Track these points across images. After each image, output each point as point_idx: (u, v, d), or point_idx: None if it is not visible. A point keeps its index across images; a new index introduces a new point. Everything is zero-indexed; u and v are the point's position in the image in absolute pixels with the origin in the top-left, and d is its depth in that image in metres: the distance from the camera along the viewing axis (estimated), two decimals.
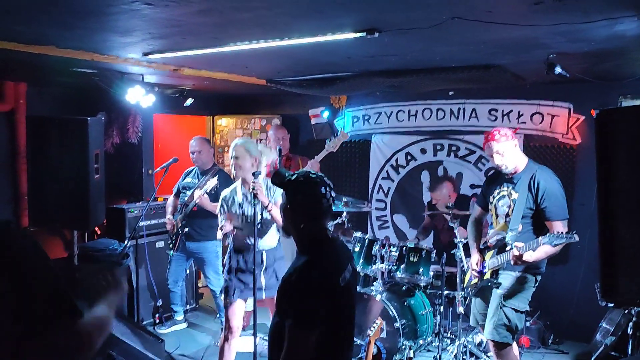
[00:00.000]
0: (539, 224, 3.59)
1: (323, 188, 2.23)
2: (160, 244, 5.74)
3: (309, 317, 2.05)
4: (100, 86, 4.84)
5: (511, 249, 3.50)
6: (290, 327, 2.05)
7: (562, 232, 3.29)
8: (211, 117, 7.44)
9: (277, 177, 2.32)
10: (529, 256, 3.38)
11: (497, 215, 3.84)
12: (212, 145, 6.30)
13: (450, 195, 5.35)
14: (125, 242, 5.18)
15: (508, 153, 3.64)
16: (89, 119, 4.45)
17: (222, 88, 6.17)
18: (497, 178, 3.90)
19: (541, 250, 3.39)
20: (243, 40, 3.41)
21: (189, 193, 5.17)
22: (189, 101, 6.29)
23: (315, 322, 2.06)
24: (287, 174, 2.30)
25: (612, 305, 4.29)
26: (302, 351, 2.04)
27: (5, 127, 5.39)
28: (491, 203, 3.88)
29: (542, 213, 3.56)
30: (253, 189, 3.62)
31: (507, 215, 3.73)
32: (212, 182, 4.73)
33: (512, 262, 3.46)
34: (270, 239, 3.99)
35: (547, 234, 3.34)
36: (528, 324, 4.94)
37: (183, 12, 2.69)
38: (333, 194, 2.27)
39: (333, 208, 2.31)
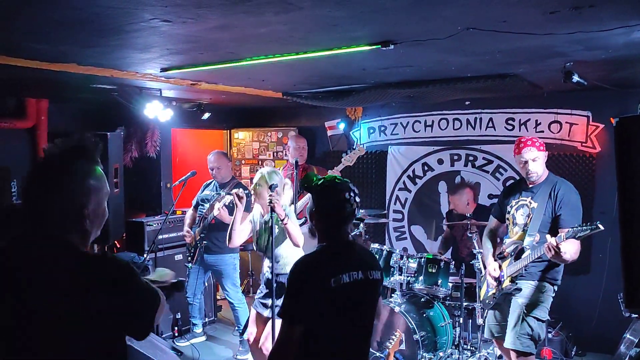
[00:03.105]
0: (555, 234, 3.56)
1: (347, 193, 2.30)
2: (178, 257, 5.78)
3: (290, 311, 2.15)
4: (119, 101, 4.92)
5: (529, 254, 3.49)
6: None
7: (583, 223, 3.25)
8: (228, 131, 7.51)
9: (305, 181, 2.41)
10: (565, 247, 3.29)
11: (514, 225, 3.81)
12: (230, 158, 6.34)
13: (469, 204, 5.30)
14: (145, 255, 5.22)
15: (541, 161, 3.68)
16: (108, 133, 4.52)
17: (238, 101, 6.23)
18: (515, 188, 3.91)
19: (571, 247, 3.33)
20: (259, 55, 3.45)
21: (207, 206, 5.20)
22: (206, 115, 6.35)
23: (296, 317, 2.14)
24: (315, 178, 2.39)
25: (636, 315, 4.21)
26: (285, 345, 2.14)
27: (28, 142, 5.49)
28: (508, 212, 3.86)
29: (557, 220, 3.57)
30: (270, 201, 3.67)
31: (525, 224, 3.71)
32: (230, 197, 4.77)
33: (548, 254, 3.37)
34: (283, 264, 3.97)
35: (570, 229, 3.28)
36: (550, 335, 4.86)
37: (200, 28, 2.73)
38: (357, 200, 2.34)
39: (357, 213, 2.37)
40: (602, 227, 3.13)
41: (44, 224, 1.58)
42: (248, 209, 4.26)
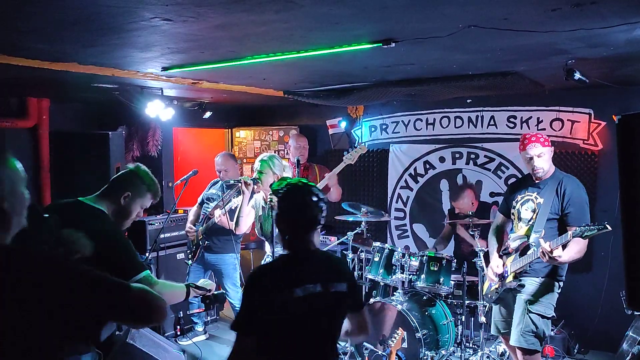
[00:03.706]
0: (562, 230, 3.56)
1: (310, 197, 2.20)
2: (180, 256, 5.79)
3: (241, 321, 2.11)
4: (120, 101, 4.92)
5: (534, 250, 3.48)
6: None
7: (591, 223, 3.24)
8: (230, 130, 7.51)
9: (272, 186, 2.37)
10: (559, 252, 3.31)
11: (519, 220, 3.80)
12: (237, 160, 6.34)
13: (473, 203, 5.30)
14: (147, 254, 5.23)
15: (547, 157, 3.68)
16: (110, 133, 4.53)
17: (240, 100, 6.23)
18: (522, 183, 3.91)
19: (571, 249, 3.34)
20: (260, 54, 3.45)
21: (212, 204, 5.20)
22: (208, 114, 6.35)
23: (247, 328, 2.08)
24: (279, 182, 2.33)
25: (639, 313, 4.21)
26: (237, 355, 2.09)
27: (29, 142, 5.50)
28: (514, 207, 3.85)
29: (565, 218, 3.57)
30: (271, 200, 3.67)
31: (530, 219, 3.70)
32: (237, 201, 4.79)
33: (542, 260, 3.38)
34: None
35: (577, 228, 3.27)
36: (552, 333, 4.86)
37: (201, 27, 2.73)
38: (322, 205, 2.22)
39: (321, 219, 2.24)
40: (609, 228, 3.10)
41: None
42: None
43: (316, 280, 2.16)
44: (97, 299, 1.58)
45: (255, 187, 4.11)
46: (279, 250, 3.95)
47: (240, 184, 4.04)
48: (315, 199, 2.20)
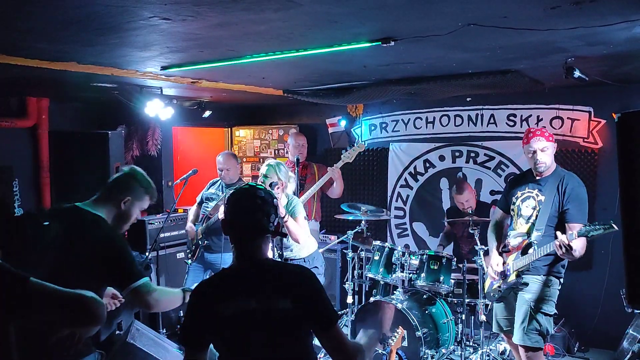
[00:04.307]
0: (561, 227, 3.56)
1: (254, 201, 2.02)
2: (180, 255, 5.79)
3: (182, 334, 2.02)
4: (120, 100, 4.92)
5: (535, 249, 3.47)
6: None
7: (597, 222, 3.22)
8: (229, 129, 7.50)
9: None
10: (575, 244, 3.28)
11: (519, 216, 3.79)
12: (238, 159, 6.34)
13: (474, 197, 5.27)
14: (147, 253, 5.23)
15: (550, 152, 3.66)
16: (109, 132, 4.54)
17: (239, 99, 6.22)
18: (522, 179, 3.88)
19: (577, 244, 3.32)
20: (259, 53, 3.44)
21: (211, 204, 5.20)
22: (207, 113, 6.35)
23: (187, 342, 2.00)
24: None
25: (639, 311, 4.21)
26: None
27: (29, 142, 5.50)
28: (513, 204, 3.83)
29: (564, 215, 3.56)
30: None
31: (530, 216, 3.69)
32: None
33: (558, 252, 3.34)
34: (297, 251, 4.11)
35: (583, 227, 3.26)
36: (553, 331, 4.85)
37: (200, 26, 2.73)
38: (268, 209, 2.03)
39: (269, 226, 2.04)
40: (616, 228, 3.05)
41: None
42: None
43: (251, 295, 1.95)
44: None
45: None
46: (293, 252, 4.05)
47: None
48: (259, 202, 2.02)
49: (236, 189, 2.13)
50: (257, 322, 1.94)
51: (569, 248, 3.27)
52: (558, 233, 3.38)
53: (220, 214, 4.90)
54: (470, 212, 4.71)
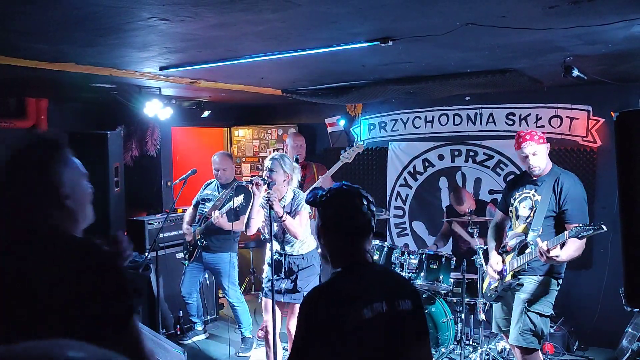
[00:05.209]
0: (559, 227, 3.55)
1: (359, 200, 1.92)
2: (180, 255, 5.78)
3: (298, 351, 1.78)
4: (118, 100, 4.92)
5: (532, 249, 3.47)
6: None
7: (587, 224, 3.23)
8: (228, 129, 7.50)
9: (312, 198, 2.08)
10: (557, 252, 3.30)
11: (517, 217, 3.79)
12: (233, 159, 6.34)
13: (473, 203, 5.28)
14: (146, 253, 5.23)
15: (542, 155, 3.63)
16: (108, 133, 4.53)
17: (238, 99, 6.22)
18: (520, 180, 3.88)
19: (569, 247, 3.33)
20: (258, 53, 3.44)
21: (208, 205, 5.20)
22: (206, 113, 6.35)
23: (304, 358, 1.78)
24: (320, 193, 2.04)
25: (638, 310, 4.21)
26: None
27: None
28: (512, 205, 3.83)
29: (563, 215, 3.54)
30: (268, 199, 3.69)
31: (527, 217, 3.69)
32: (237, 200, 4.79)
33: (541, 259, 3.37)
34: (297, 247, 4.11)
35: (573, 228, 3.26)
36: (552, 330, 4.86)
37: (198, 27, 2.73)
38: (373, 208, 1.94)
39: (373, 226, 1.95)
40: (605, 228, 3.09)
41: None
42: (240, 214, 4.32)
43: (381, 297, 1.83)
44: None
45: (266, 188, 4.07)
46: (293, 248, 4.04)
47: (251, 185, 4.01)
48: (365, 202, 1.93)
49: (335, 190, 1.99)
50: (389, 326, 1.84)
51: (548, 256, 3.28)
52: (538, 240, 3.38)
53: (216, 216, 4.90)
54: (469, 211, 4.71)
